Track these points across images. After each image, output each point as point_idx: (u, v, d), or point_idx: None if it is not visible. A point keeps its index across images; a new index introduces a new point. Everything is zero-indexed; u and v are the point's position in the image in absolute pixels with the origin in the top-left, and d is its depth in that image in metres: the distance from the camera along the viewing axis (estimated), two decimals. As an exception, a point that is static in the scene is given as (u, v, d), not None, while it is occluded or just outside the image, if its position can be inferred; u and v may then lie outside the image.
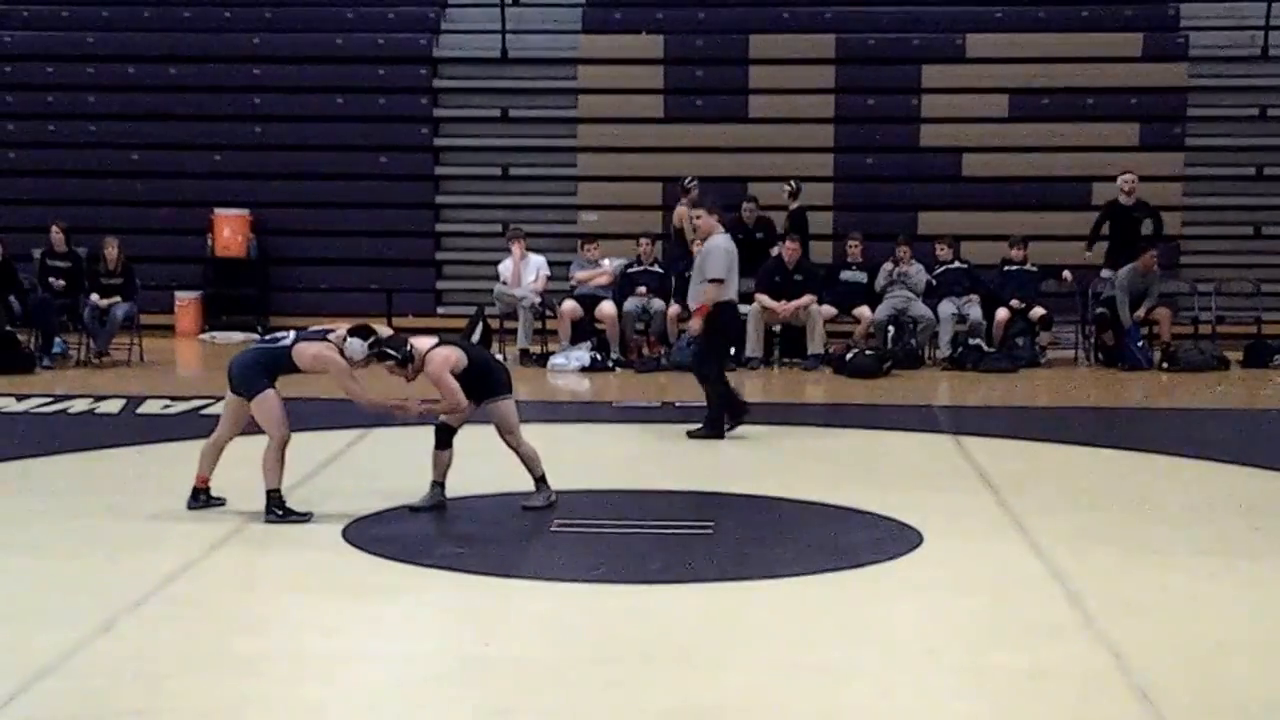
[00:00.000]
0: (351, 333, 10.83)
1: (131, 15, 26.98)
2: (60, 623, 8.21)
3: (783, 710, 7.10)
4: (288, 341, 10.93)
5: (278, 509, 10.79)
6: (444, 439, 11.24)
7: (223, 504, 11.15)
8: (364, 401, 10.98)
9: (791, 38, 25.93)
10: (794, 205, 22.39)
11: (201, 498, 11.15)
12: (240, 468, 11.17)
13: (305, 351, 10.79)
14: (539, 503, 11.25)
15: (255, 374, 10.83)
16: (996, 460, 13.49)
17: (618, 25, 26.54)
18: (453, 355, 11.01)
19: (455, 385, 10.94)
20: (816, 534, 10.84)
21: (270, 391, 10.78)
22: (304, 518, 10.81)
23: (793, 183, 22.58)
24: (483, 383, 11.17)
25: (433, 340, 11.19)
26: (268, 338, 11.49)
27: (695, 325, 14.88)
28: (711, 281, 14.62)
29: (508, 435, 11.26)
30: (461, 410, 11.09)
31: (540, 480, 11.35)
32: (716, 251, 14.69)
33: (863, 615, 8.70)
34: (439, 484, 11.30)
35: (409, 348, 10.90)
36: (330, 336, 10.87)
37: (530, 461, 11.34)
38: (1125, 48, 25.56)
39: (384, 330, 11.26)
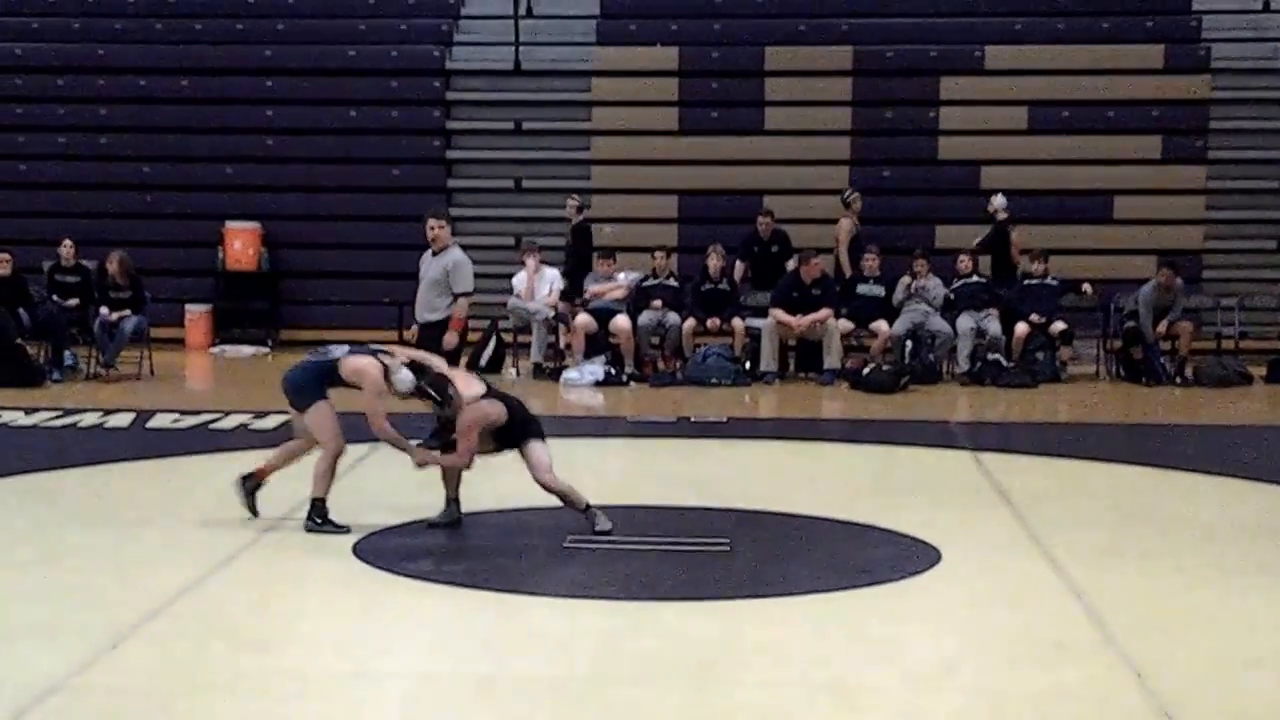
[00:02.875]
0: (409, 365, 10.89)
1: (143, 28, 26.98)
2: (68, 640, 8.10)
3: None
4: (340, 353, 11.04)
5: (318, 517, 10.85)
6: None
7: (254, 515, 11.10)
8: (379, 428, 10.93)
9: (808, 50, 25.87)
10: (578, 219, 22.34)
11: (249, 484, 11.15)
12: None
13: (350, 364, 10.90)
14: (603, 526, 10.89)
15: (308, 385, 10.97)
16: (1016, 476, 13.33)
17: (632, 37, 26.47)
18: (494, 412, 10.84)
19: (474, 444, 10.83)
20: (833, 551, 10.71)
21: (323, 403, 10.92)
22: (342, 529, 10.79)
23: (576, 197, 22.66)
24: (521, 430, 10.99)
25: (480, 388, 11.03)
26: (320, 350, 11.47)
27: (452, 340, 14.62)
28: (466, 295, 14.67)
29: (546, 475, 10.98)
30: (465, 467, 10.98)
31: (588, 509, 10.97)
32: (467, 264, 14.78)
33: (879, 633, 8.53)
34: (454, 500, 11.16)
35: (451, 392, 10.77)
36: (382, 357, 10.94)
37: (570, 496, 11.04)
38: (1146, 59, 25.48)
39: (437, 363, 11.34)
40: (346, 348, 11.15)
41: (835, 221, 22.27)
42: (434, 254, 14.79)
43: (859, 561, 10.30)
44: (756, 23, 26.53)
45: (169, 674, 7.67)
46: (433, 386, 10.78)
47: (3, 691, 7.22)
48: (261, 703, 7.28)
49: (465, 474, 11.09)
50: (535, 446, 10.95)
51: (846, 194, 22.40)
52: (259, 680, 7.59)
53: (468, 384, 11.05)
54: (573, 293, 21.46)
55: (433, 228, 14.75)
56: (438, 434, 11.20)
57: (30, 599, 9.09)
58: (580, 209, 22.49)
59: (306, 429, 11.06)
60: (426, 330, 14.46)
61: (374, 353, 11.00)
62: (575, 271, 21.72)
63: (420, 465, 11.06)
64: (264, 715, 7.12)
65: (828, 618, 8.86)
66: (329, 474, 10.91)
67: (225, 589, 9.45)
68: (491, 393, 11.06)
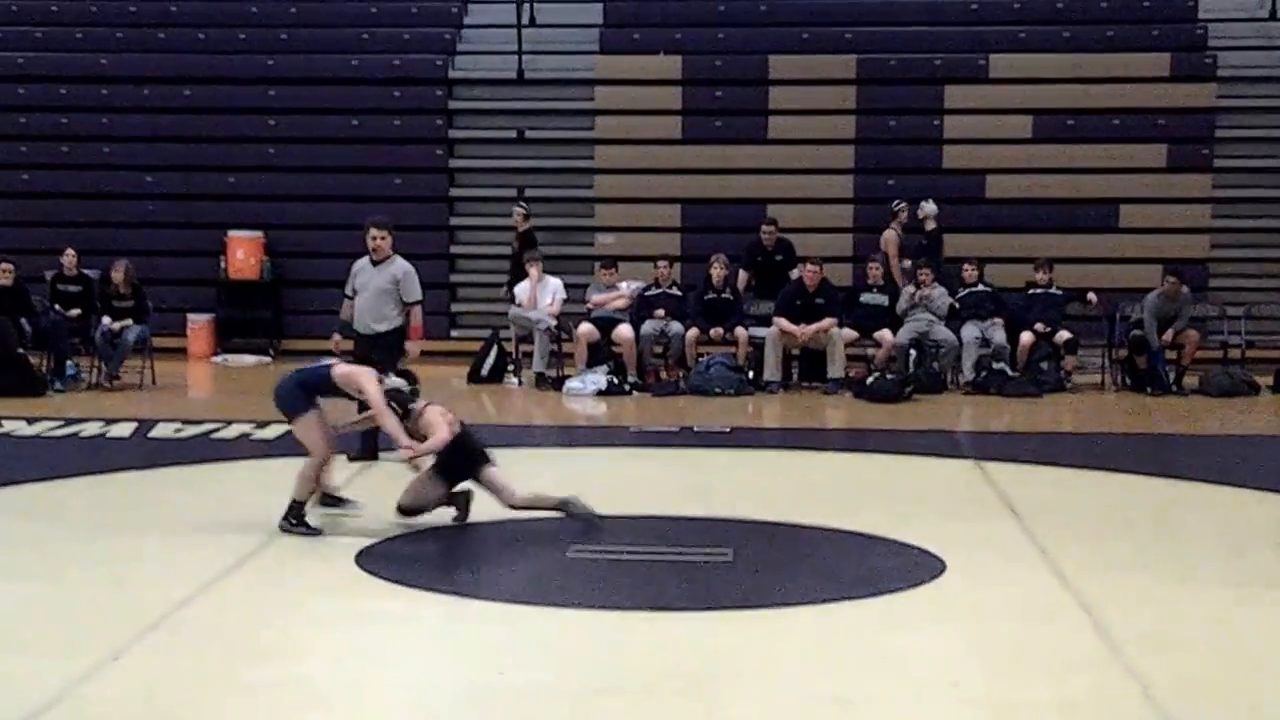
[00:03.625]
0: (404, 377, 11.49)
1: (145, 37, 26.94)
2: (69, 650, 8.07)
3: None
4: (330, 363, 11.42)
5: (293, 519, 11.00)
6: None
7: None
8: (383, 415, 11.17)
9: (812, 58, 25.79)
10: (525, 226, 22.51)
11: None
12: (254, 494, 11.30)
13: (342, 370, 11.27)
14: (581, 510, 11.17)
15: (296, 395, 11.19)
16: (1021, 487, 13.26)
17: (635, 46, 26.41)
18: (450, 415, 11.35)
19: (445, 439, 11.14)
20: (837, 561, 10.65)
21: (312, 412, 11.15)
22: (314, 532, 10.97)
23: (524, 205, 22.96)
24: (470, 458, 11.28)
25: (441, 411, 11.47)
26: (310, 365, 11.65)
27: (416, 350, 14.66)
28: (419, 303, 14.70)
29: (514, 497, 11.24)
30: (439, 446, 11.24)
31: (564, 503, 11.21)
32: (414, 272, 14.73)
33: (883, 645, 8.47)
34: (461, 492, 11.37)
35: (412, 408, 11.30)
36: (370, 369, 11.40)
37: (542, 502, 11.27)
38: (1152, 68, 25.37)
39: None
40: (334, 359, 11.61)
41: (841, 231, 22.18)
42: (374, 264, 14.62)
43: (863, 572, 10.25)
44: (760, 31, 26.43)
45: (170, 684, 7.63)
46: (394, 397, 11.25)
47: (3, 702, 7.17)
48: (263, 713, 7.24)
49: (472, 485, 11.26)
50: (494, 472, 11.27)
51: (894, 204, 22.32)
52: (259, 690, 7.54)
53: (431, 415, 11.41)
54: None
55: (375, 238, 14.61)
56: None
57: (31, 609, 9.04)
58: (526, 216, 22.61)
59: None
60: (373, 340, 14.21)
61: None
62: (519, 280, 21.76)
63: (406, 457, 11.28)
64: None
65: (830, 628, 8.80)
66: (312, 479, 11.13)
67: (227, 598, 9.39)
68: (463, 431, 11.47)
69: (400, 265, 14.60)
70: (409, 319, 14.57)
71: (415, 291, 14.61)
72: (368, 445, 13.90)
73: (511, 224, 22.90)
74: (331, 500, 11.59)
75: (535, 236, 22.65)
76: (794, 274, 21.14)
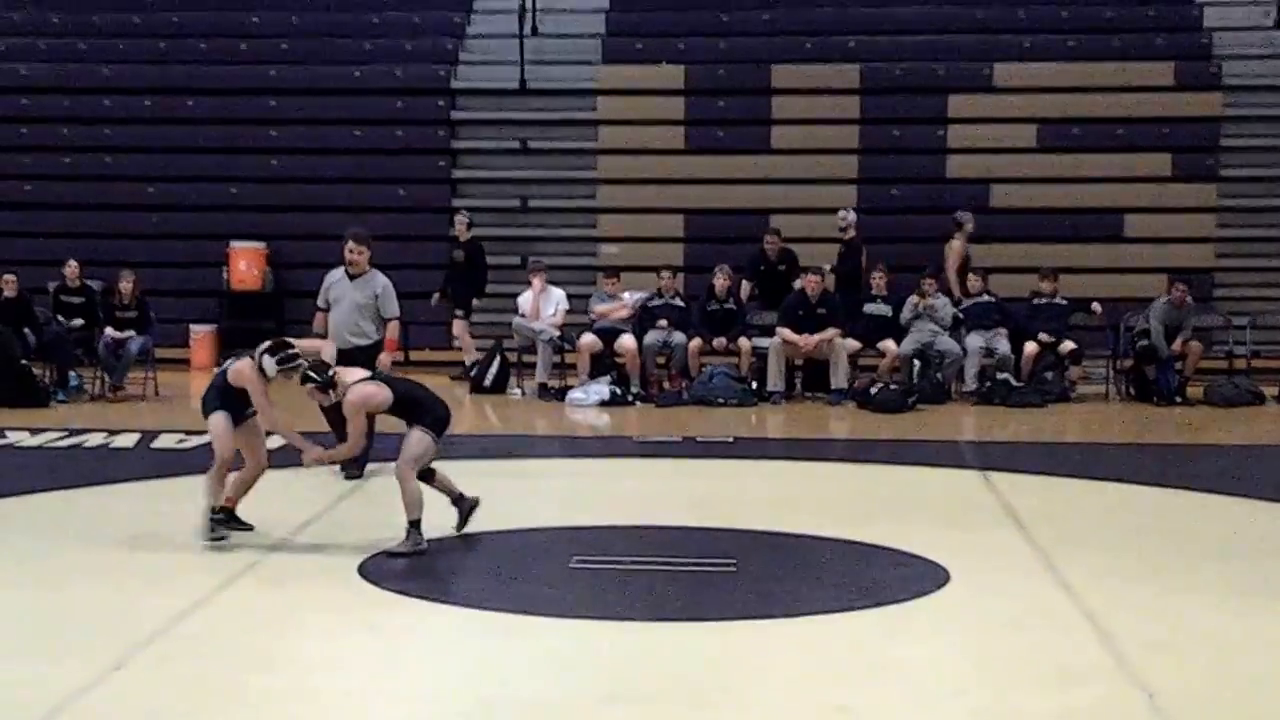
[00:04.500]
0: (268, 350, 11.00)
1: (148, 48, 26.98)
2: (72, 660, 8.05)
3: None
4: (229, 364, 11.23)
5: (212, 525, 10.95)
6: (426, 476, 11.16)
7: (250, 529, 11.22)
8: (270, 423, 11.11)
9: (815, 68, 25.80)
10: (467, 236, 22.47)
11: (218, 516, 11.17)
12: (256, 505, 11.18)
13: (232, 371, 11.07)
14: (405, 549, 10.74)
15: (209, 397, 11.16)
16: (1025, 497, 13.21)
17: (638, 56, 26.43)
18: (379, 394, 10.97)
19: (363, 429, 11.07)
20: (841, 572, 10.62)
21: (217, 414, 11.04)
22: (219, 539, 10.90)
23: (465, 214, 22.93)
24: (410, 411, 11.06)
25: (363, 373, 11.31)
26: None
27: (388, 361, 14.28)
28: (397, 318, 14.55)
29: (402, 464, 10.91)
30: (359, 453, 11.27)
31: (413, 526, 10.85)
32: (392, 287, 14.54)
33: (887, 655, 8.44)
34: (459, 498, 11.30)
35: (331, 374, 11.00)
36: (253, 353, 11.06)
37: (411, 503, 10.89)
38: (1157, 77, 25.37)
39: (310, 346, 11.72)
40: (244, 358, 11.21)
41: (840, 240, 22.13)
42: (351, 277, 14.42)
43: (867, 582, 10.21)
44: (763, 41, 26.46)
45: (174, 694, 7.61)
46: (312, 369, 10.93)
47: (6, 712, 7.13)
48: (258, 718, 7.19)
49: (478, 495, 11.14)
50: (412, 434, 10.97)
51: (958, 214, 22.29)
52: (261, 701, 7.52)
53: (349, 371, 11.24)
54: (465, 312, 21.90)
55: (354, 251, 14.39)
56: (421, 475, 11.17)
57: (34, 619, 9.02)
58: (469, 225, 22.62)
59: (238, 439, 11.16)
60: (350, 355, 13.49)
61: (249, 353, 11.15)
62: (463, 290, 21.91)
63: (311, 463, 11.22)
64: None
65: (835, 639, 8.77)
66: (218, 483, 11.03)
67: (230, 608, 9.38)
68: (376, 377, 11.30)
69: (379, 280, 14.42)
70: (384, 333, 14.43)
71: (394, 308, 14.47)
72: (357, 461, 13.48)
73: (455, 234, 22.93)
74: (457, 502, 11.31)
75: (480, 246, 22.60)
76: (797, 284, 21.10)
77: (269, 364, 10.89)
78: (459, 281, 22.15)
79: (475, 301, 22.20)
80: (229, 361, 11.28)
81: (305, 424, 12.08)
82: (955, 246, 22.02)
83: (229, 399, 11.01)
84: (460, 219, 22.76)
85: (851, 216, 22.09)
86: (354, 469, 13.49)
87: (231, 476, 11.16)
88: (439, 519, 11.14)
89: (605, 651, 8.47)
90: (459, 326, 21.94)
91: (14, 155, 25.80)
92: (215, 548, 10.82)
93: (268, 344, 11.04)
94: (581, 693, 7.70)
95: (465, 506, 11.31)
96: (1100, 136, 24.97)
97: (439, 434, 11.01)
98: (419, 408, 11.05)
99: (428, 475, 11.12)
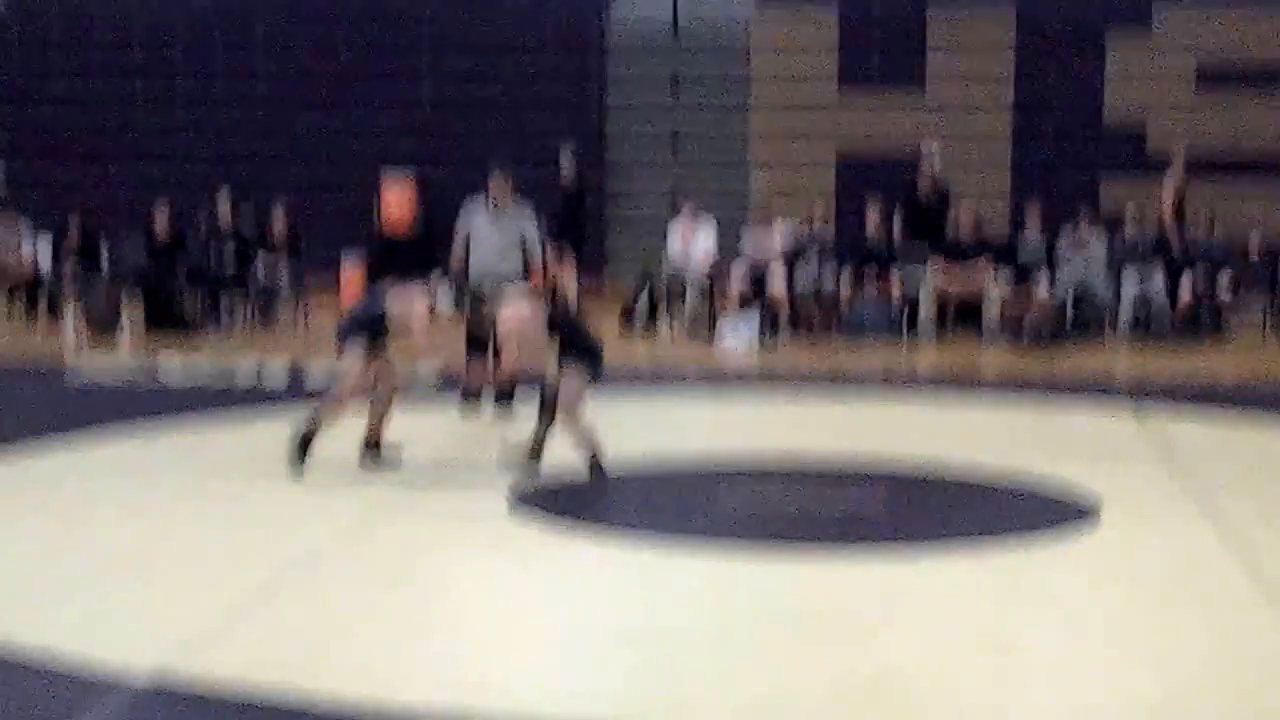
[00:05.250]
0: (438, 279, 11.44)
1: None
2: (221, 587, 8.14)
3: (949, 680, 6.81)
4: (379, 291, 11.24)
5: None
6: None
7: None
8: (432, 349, 11.52)
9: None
10: (573, 180, 21.42)
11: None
12: (400, 434, 11.28)
13: (395, 298, 11.04)
14: (591, 482, 10.92)
15: (350, 324, 11.16)
16: (1180, 436, 13.05)
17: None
18: (538, 316, 10.99)
19: (517, 352, 11.13)
20: (991, 507, 10.54)
21: (356, 340, 11.00)
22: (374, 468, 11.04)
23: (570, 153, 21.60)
24: (569, 342, 11.02)
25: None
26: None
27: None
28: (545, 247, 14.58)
29: (563, 413, 10.99)
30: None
31: (594, 463, 10.98)
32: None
33: (1035, 592, 8.33)
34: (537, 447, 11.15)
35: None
36: (417, 282, 11.20)
37: (585, 441, 10.98)
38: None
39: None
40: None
41: (987, 173, 21.90)
42: (496, 210, 14.36)
43: (1018, 518, 10.09)
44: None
45: (321, 617, 7.67)
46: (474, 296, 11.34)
47: (163, 638, 7.21)
48: (409, 644, 7.24)
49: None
50: (569, 379, 10.90)
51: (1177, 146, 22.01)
52: (409, 621, 7.60)
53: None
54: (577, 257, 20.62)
55: (499, 186, 14.36)
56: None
57: (183, 550, 9.08)
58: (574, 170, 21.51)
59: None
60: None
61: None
62: (568, 235, 20.41)
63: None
64: (409, 656, 7.06)
65: (980, 574, 8.67)
66: (347, 411, 11.10)
67: (377, 539, 9.43)
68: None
69: (525, 212, 14.41)
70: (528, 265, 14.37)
71: (541, 237, 14.48)
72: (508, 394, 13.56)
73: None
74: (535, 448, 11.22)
75: (584, 194, 21.81)
76: (951, 218, 20.90)
77: (443, 295, 11.00)
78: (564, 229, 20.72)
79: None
80: (376, 289, 11.28)
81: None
82: (1168, 184, 21.54)
83: (374, 326, 10.99)
84: (565, 162, 21.56)
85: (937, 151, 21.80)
86: (506, 401, 13.51)
87: (365, 408, 11.19)
88: (570, 455, 11.14)
89: (754, 584, 8.41)
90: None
91: (167, 81, 26.08)
92: (364, 478, 10.90)
93: (435, 272, 11.07)
94: (729, 624, 7.65)
95: (538, 446, 11.23)
96: (1260, 78, 24.52)
97: (596, 371, 11.02)
98: (577, 335, 11.05)
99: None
